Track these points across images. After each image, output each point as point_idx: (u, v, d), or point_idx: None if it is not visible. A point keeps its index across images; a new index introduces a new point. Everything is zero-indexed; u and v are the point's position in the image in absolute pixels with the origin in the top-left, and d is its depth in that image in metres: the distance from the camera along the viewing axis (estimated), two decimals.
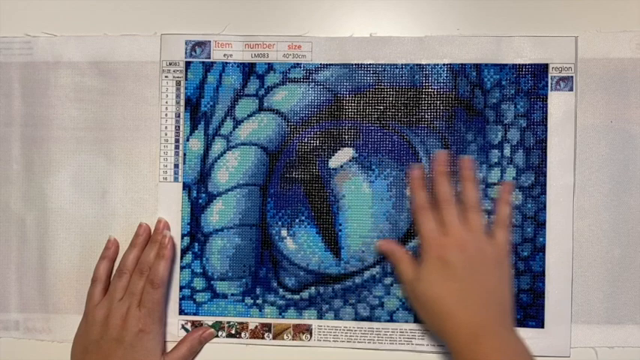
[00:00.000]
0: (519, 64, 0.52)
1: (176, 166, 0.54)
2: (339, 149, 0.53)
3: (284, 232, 0.53)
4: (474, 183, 0.51)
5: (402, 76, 0.53)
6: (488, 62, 0.52)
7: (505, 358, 0.44)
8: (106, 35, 0.54)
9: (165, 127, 0.54)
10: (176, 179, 0.54)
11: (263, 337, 0.53)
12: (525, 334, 0.51)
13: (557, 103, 0.52)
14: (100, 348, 0.49)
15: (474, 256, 0.48)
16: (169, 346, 0.53)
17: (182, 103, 0.54)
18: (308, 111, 0.53)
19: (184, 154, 0.54)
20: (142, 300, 0.50)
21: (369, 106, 0.53)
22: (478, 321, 0.46)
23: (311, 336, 0.53)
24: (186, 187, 0.54)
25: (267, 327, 0.53)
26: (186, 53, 0.54)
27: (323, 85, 0.53)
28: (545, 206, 0.52)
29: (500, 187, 0.52)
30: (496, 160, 0.52)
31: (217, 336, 0.53)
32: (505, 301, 0.48)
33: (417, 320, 0.53)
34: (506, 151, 0.52)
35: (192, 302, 0.54)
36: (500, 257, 0.49)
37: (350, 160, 0.53)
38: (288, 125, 0.54)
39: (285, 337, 0.53)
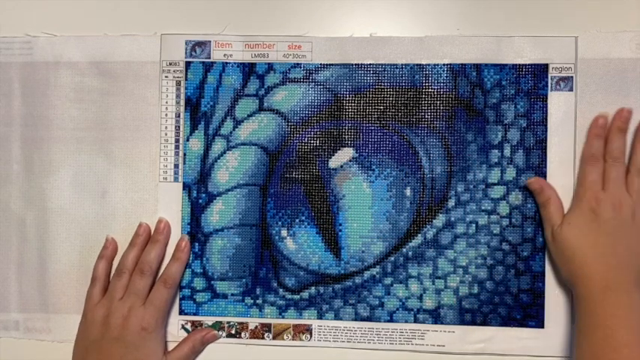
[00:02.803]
0: (519, 64, 0.52)
1: (176, 166, 0.54)
2: (339, 149, 0.53)
3: (284, 232, 0.53)
4: None
5: (402, 76, 0.53)
6: (488, 62, 0.52)
7: (631, 315, 0.45)
8: (106, 35, 0.54)
9: (165, 127, 0.54)
10: (176, 179, 0.54)
11: (263, 337, 0.53)
12: (525, 334, 0.52)
13: (557, 103, 0.52)
14: (100, 348, 0.49)
15: (625, 218, 0.48)
16: (169, 347, 0.53)
17: (182, 103, 0.54)
18: (308, 111, 0.53)
19: (184, 154, 0.54)
20: (149, 297, 0.51)
21: (369, 106, 0.53)
22: (612, 276, 0.47)
23: (311, 336, 0.53)
24: (186, 187, 0.54)
25: (267, 327, 0.53)
26: (186, 53, 0.54)
27: (323, 85, 0.53)
28: None
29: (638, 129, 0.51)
30: (496, 160, 0.52)
31: (219, 338, 0.53)
32: None
33: (416, 320, 0.53)
34: (507, 151, 0.52)
35: (192, 302, 0.54)
36: None
37: (350, 160, 0.53)
38: (288, 125, 0.54)
39: (285, 337, 0.53)
